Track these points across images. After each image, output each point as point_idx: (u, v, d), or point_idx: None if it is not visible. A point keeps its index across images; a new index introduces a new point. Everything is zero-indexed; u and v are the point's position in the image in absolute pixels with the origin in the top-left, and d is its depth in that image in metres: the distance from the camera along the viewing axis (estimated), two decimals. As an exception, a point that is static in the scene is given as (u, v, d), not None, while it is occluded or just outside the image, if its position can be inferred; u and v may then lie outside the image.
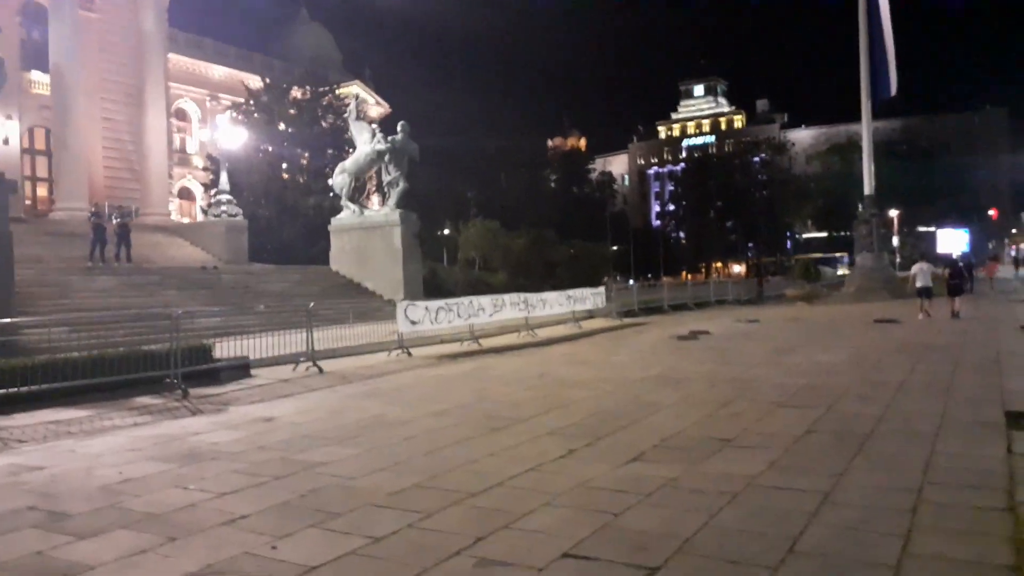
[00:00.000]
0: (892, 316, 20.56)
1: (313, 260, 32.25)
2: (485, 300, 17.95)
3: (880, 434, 6.73)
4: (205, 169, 45.24)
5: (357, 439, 7.04)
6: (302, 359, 13.02)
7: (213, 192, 37.97)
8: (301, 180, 39.31)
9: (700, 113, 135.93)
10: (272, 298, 25.04)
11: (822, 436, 6.73)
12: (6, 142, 35.87)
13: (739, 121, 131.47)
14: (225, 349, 12.95)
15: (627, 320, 23.83)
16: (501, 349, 16.09)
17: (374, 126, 31.69)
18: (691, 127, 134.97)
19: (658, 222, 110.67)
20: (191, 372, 11.33)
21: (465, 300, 17.39)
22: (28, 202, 37.92)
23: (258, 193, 37.89)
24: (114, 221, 25.07)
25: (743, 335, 17.63)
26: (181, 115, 53.84)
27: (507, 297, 18.82)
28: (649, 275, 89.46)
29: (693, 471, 5.65)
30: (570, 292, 21.83)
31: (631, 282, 79.60)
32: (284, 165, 40.35)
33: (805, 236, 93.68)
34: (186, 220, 46.07)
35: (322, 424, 7.90)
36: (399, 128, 29.29)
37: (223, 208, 34.32)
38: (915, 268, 21.99)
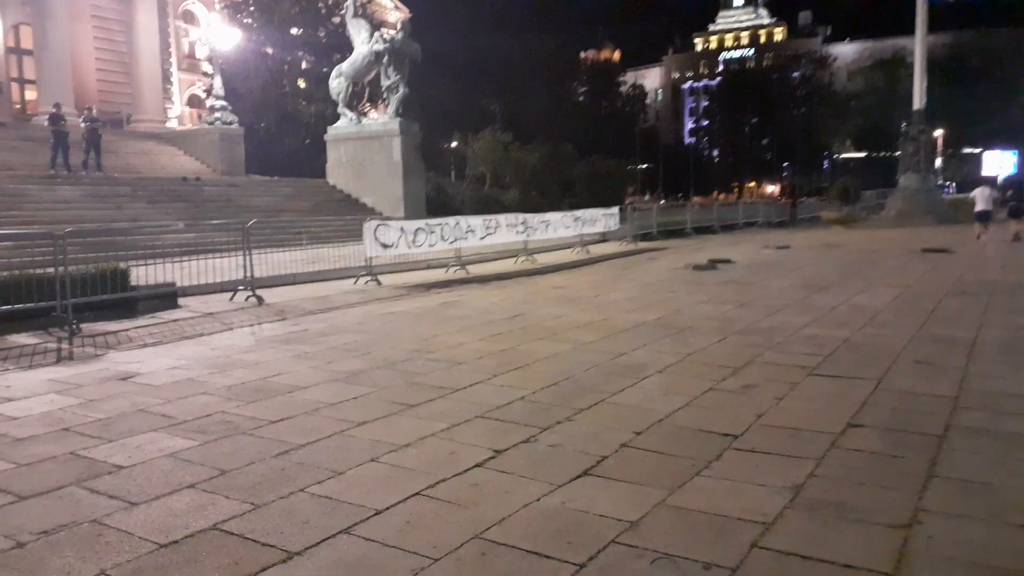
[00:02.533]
0: (942, 244, 18.10)
1: (317, 173, 30.04)
2: (475, 221, 15.73)
3: (961, 433, 4.56)
4: (205, 74, 42.71)
5: (207, 420, 5.01)
6: (240, 287, 11.02)
7: (207, 98, 35.60)
8: (302, 86, 36.70)
9: (739, 25, 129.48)
10: (256, 213, 22.97)
11: (872, 435, 4.57)
12: (-12, 41, 33.58)
13: (780, 34, 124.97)
14: (161, 273, 10.98)
15: (643, 245, 21.53)
16: (487, 278, 13.97)
17: (375, 25, 28.85)
18: (729, 39, 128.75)
19: (691, 139, 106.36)
20: (100, 302, 9.41)
21: (451, 220, 15.18)
22: (17, 105, 35.91)
23: (257, 100, 35.40)
24: (82, 125, 22.92)
25: (770, 265, 15.31)
26: (189, 17, 50.91)
27: (502, 218, 16.56)
28: (679, 194, 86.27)
29: (665, 511, 3.55)
30: (578, 213, 19.49)
31: (660, 201, 76.98)
32: (286, 69, 37.67)
33: (843, 156, 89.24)
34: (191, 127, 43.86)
35: (186, 388, 5.89)
36: (398, 26, 26.57)
37: (217, 115, 32.07)
38: (976, 192, 19.53)
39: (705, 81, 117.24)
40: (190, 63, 49.34)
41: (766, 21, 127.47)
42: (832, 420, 4.85)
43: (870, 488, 3.77)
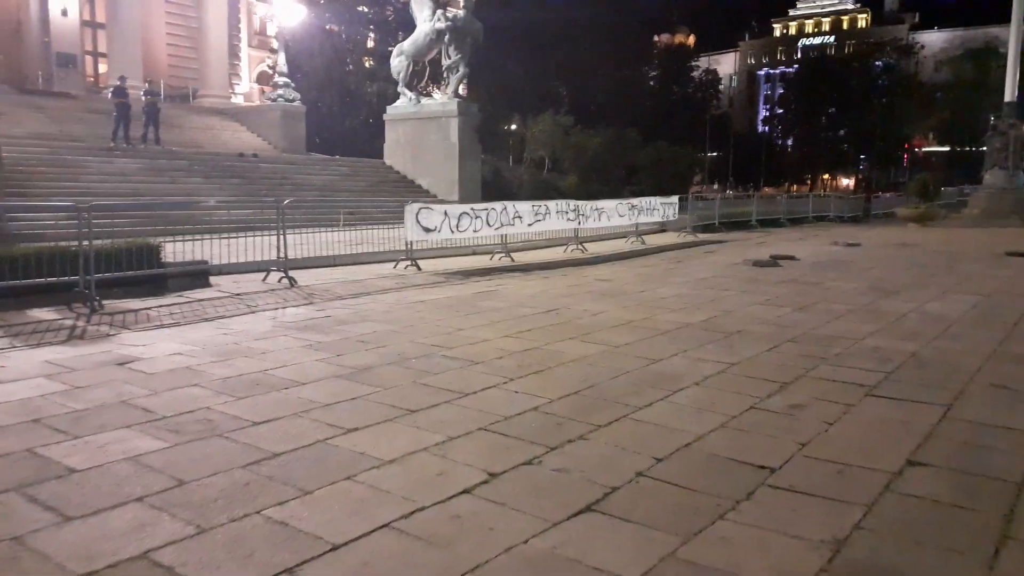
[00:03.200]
0: (1030, 249, 16.75)
1: (376, 153, 29.87)
2: (523, 207, 15.16)
3: (1044, 484, 3.84)
4: (273, 51, 43.02)
5: (187, 417, 4.61)
6: (273, 268, 10.72)
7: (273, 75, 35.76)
8: (367, 65, 36.56)
9: (821, 10, 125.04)
10: (311, 191, 22.95)
11: (936, 478, 3.88)
12: (64, 13, 34.30)
13: (864, 20, 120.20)
14: (198, 250, 10.80)
15: (703, 236, 20.67)
16: (532, 267, 13.43)
17: (438, 3, 28.34)
18: (809, 25, 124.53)
19: (764, 128, 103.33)
20: (127, 278, 9.21)
21: (497, 205, 14.65)
22: (90, 78, 36.73)
23: (321, 78, 35.41)
24: (142, 98, 23.12)
25: (837, 264, 14.34)
26: (263, -8, 51.37)
27: (552, 204, 15.95)
28: (749, 185, 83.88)
29: (673, 566, 2.96)
30: (634, 201, 18.73)
31: (728, 191, 74.95)
32: (350, 47, 37.60)
33: (925, 150, 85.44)
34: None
35: (181, 377, 5.52)
36: (462, 3, 26.05)
37: (279, 92, 32.21)
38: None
39: (782, 68, 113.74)
40: (260, 40, 49.78)
41: (850, 6, 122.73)
42: (889, 455, 4.17)
43: (929, 550, 3.11)
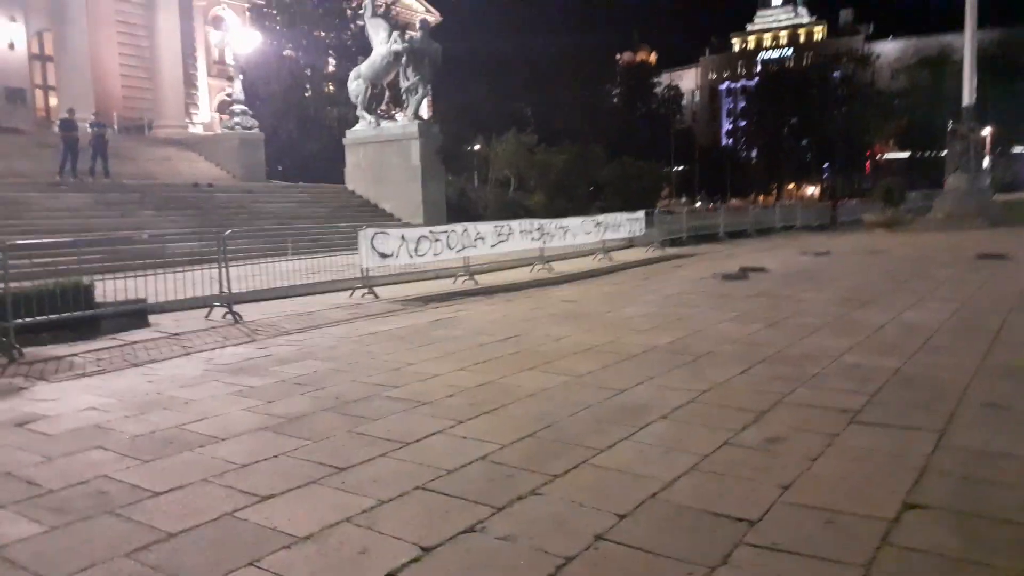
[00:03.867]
0: (998, 250, 16.59)
1: (339, 178, 29.19)
2: (485, 227, 14.66)
3: (1059, 526, 3.34)
4: (230, 79, 42.32)
5: (78, 490, 3.99)
6: (216, 304, 10.07)
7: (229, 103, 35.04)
8: (327, 90, 35.99)
9: (778, 24, 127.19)
10: (269, 219, 22.25)
11: (938, 523, 3.38)
12: (11, 47, 33.37)
13: (819, 33, 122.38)
14: (142, 288, 10.12)
15: (671, 251, 20.28)
16: (495, 290, 12.90)
17: (396, 26, 27.92)
18: (767, 39, 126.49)
19: (729, 141, 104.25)
20: (52, 322, 8.52)
21: (458, 227, 14.13)
22: (42, 112, 35.74)
23: (279, 104, 34.76)
24: (89, 131, 22.35)
25: (807, 274, 13.98)
26: (219, 23, 50.64)
27: (515, 224, 15.46)
28: (716, 197, 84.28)
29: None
30: (599, 218, 18.30)
31: (697, 204, 75.14)
32: (308, 73, 37.01)
33: (886, 156, 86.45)
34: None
35: (84, 439, 4.89)
36: (418, 26, 25.66)
37: (236, 120, 31.47)
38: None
39: (743, 82, 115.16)
40: (220, 69, 48.97)
41: (805, 20, 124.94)
42: (882, 496, 3.66)
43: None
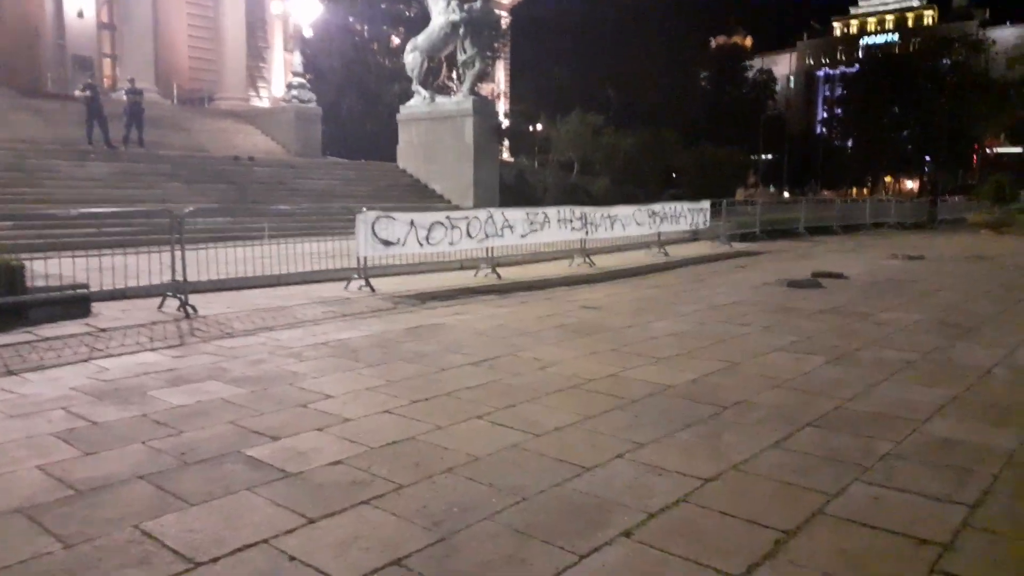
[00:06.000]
0: None
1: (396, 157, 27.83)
2: (515, 214, 12.84)
3: None
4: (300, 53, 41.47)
5: None
6: (168, 294, 8.61)
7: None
8: (387, 64, 34.62)
9: (884, 7, 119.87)
10: (308, 197, 20.98)
11: None
12: (80, 15, 33.16)
13: (930, 17, 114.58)
14: (120, 271, 8.83)
15: (739, 247, 18.04)
16: (514, 287, 11.13)
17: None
18: (872, 23, 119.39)
19: (823, 130, 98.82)
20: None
21: (482, 213, 12.37)
22: (108, 82, 35.59)
23: (340, 79, 33.60)
24: (124, 97, 21.52)
25: (894, 284, 11.65)
26: (297, -5, 50.00)
27: (552, 212, 13.56)
28: (806, 188, 79.90)
29: None
30: (656, 207, 16.18)
31: (785, 195, 71.36)
32: (375, 47, 35.73)
33: (996, 151, 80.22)
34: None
35: None
36: (479, -7, 23.88)
37: (294, 93, 30.54)
38: None
39: (842, 68, 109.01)
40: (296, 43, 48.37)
41: (915, 3, 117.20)
42: None
43: None
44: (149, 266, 8.96)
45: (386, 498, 3.53)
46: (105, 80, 35.06)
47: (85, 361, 6.23)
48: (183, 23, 36.94)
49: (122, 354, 6.50)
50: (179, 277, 8.53)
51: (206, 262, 9.99)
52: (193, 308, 8.41)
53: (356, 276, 10.64)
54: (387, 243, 10.69)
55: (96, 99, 20.13)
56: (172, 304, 8.55)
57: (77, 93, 21.85)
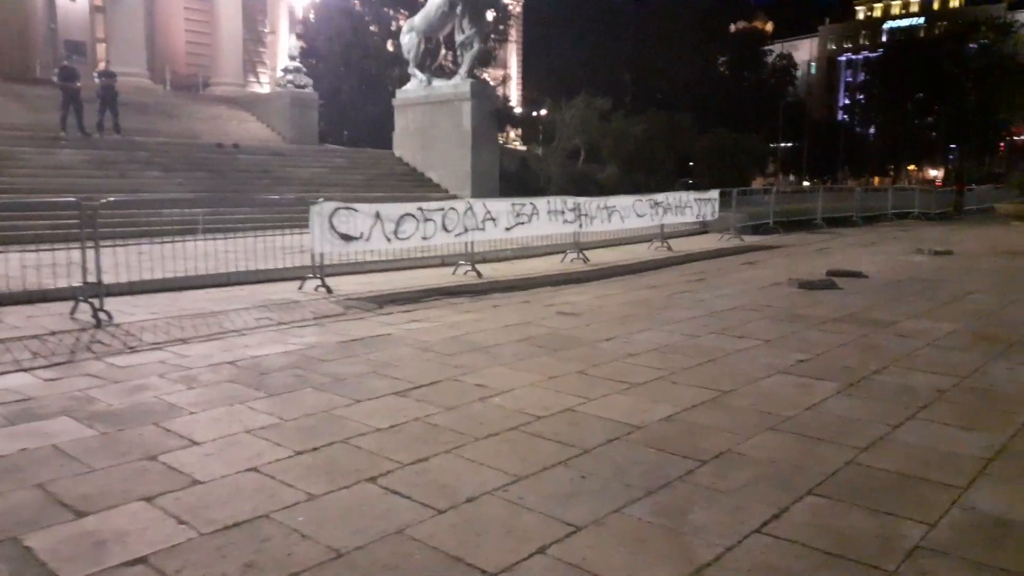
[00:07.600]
0: None
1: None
2: (499, 206, 11.66)
3: None
4: (299, 36, 40.32)
5: None
6: (80, 298, 7.51)
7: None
8: (389, 48, 33.39)
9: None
10: (295, 187, 19.89)
11: None
12: (72, -1, 32.27)
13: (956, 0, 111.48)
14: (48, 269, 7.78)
15: (750, 240, 16.77)
16: (492, 287, 9.98)
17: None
18: (896, 7, 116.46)
19: (844, 116, 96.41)
20: None
21: (459, 204, 11.22)
22: (102, 65, 34.65)
23: (339, 63, 32.42)
24: (96, 81, 20.49)
25: (920, 285, 10.37)
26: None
27: (541, 202, 12.35)
28: (827, 176, 77.91)
29: None
30: (658, 197, 14.90)
31: (805, 183, 69.43)
32: (374, 29, 34.50)
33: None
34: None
35: None
36: (476, -30, 22.60)
37: (289, 77, 29.44)
38: None
39: (865, 53, 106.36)
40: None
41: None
42: None
43: None
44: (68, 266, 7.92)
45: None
46: (100, 65, 34.15)
47: (-62, 385, 5.15)
48: (179, 6, 35.94)
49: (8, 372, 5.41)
50: (92, 279, 7.42)
51: (150, 260, 9.00)
52: (108, 315, 7.32)
53: (312, 275, 9.51)
54: (347, 238, 9.55)
55: (72, 83, 19.06)
56: (86, 310, 7.45)
57: (54, 78, 20.83)
